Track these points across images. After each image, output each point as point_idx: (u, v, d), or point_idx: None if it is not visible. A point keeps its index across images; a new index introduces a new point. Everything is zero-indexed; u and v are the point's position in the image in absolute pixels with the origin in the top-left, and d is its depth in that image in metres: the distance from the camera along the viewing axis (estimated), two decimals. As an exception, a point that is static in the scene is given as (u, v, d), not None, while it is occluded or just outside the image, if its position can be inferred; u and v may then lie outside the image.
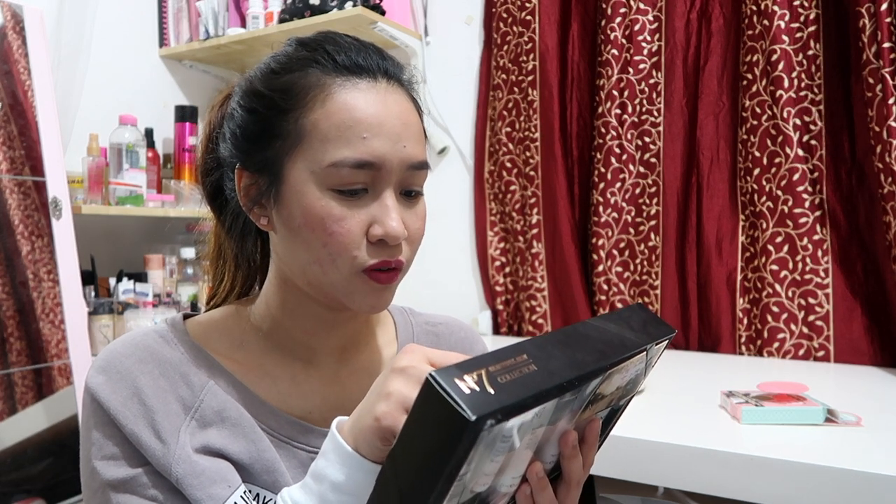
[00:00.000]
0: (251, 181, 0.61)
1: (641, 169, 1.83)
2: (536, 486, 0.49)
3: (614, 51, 1.80)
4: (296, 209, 0.58)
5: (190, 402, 0.60)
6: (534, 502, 0.50)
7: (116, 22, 2.07)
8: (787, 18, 1.59)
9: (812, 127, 1.60)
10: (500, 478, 0.45)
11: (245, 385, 0.63)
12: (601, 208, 1.84)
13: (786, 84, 1.59)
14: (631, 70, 1.80)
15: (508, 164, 2.03)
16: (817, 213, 1.60)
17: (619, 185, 1.83)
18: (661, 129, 1.80)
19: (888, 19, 1.44)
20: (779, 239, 1.63)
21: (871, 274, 1.56)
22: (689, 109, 1.77)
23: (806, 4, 1.59)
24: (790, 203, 1.61)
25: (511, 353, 0.41)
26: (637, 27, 1.79)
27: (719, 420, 1.11)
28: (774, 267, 1.63)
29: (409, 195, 0.61)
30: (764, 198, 1.65)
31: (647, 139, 1.81)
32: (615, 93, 1.81)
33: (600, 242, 1.85)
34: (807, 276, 1.60)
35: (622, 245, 1.85)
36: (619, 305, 1.85)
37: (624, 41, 1.81)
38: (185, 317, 0.67)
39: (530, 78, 1.96)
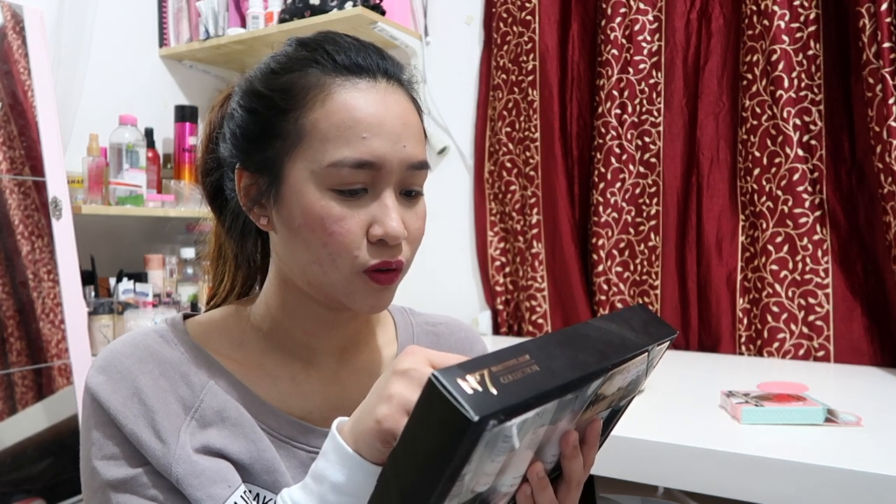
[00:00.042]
0: (251, 181, 0.61)
1: (641, 169, 1.83)
2: (537, 486, 0.49)
3: (614, 51, 1.80)
4: (296, 209, 0.58)
5: (190, 402, 0.60)
6: (534, 502, 0.50)
7: (116, 22, 2.07)
8: (787, 18, 1.59)
9: (812, 127, 1.60)
10: (500, 478, 0.45)
11: (245, 385, 0.63)
12: (601, 208, 1.84)
13: (786, 84, 1.59)
14: (631, 70, 1.80)
15: (508, 164, 2.03)
16: (817, 213, 1.60)
17: (619, 185, 1.83)
18: (661, 129, 1.80)
19: (888, 19, 1.44)
20: (779, 239, 1.63)
21: (871, 274, 1.56)
22: (689, 109, 1.77)
23: (806, 4, 1.59)
24: (790, 203, 1.61)
25: (513, 353, 0.41)
26: (637, 27, 1.79)
27: (719, 420, 1.11)
28: (774, 267, 1.63)
29: (409, 195, 0.61)
30: (764, 198, 1.65)
31: (647, 139, 1.81)
32: (615, 93, 1.81)
33: (600, 242, 1.85)
34: (807, 276, 1.60)
35: (622, 245, 1.85)
36: (619, 305, 1.85)
37: (624, 41, 1.81)
38: (185, 317, 0.67)
39: (530, 78, 1.96)
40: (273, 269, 0.66)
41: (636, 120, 1.82)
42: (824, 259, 1.59)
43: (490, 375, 0.38)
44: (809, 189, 1.60)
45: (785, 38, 1.59)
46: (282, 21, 2.02)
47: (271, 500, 0.59)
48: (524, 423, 0.40)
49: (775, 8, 1.58)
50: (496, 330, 2.07)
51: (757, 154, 1.65)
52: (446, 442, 0.37)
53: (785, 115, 1.60)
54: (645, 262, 1.84)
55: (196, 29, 2.17)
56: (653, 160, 1.82)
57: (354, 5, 1.90)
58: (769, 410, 1.07)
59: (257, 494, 0.59)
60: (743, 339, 1.69)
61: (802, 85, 1.60)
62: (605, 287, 1.85)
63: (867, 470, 0.87)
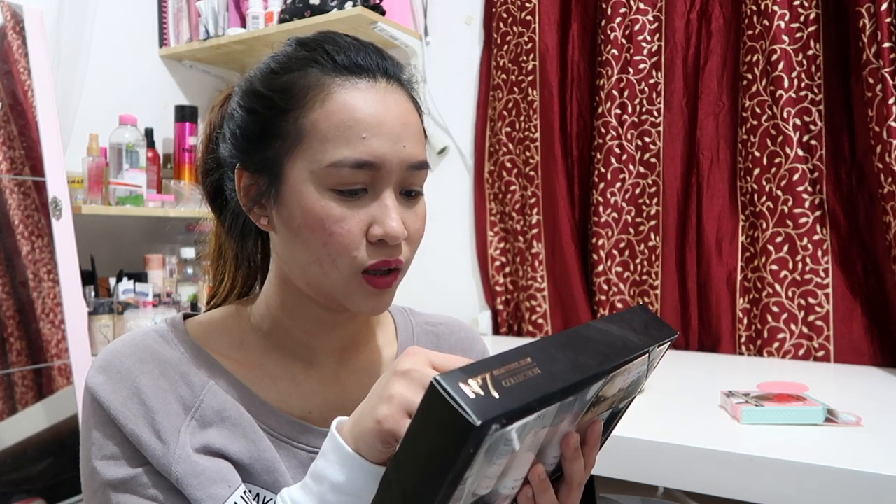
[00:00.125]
0: (251, 181, 0.61)
1: (641, 169, 1.83)
2: (538, 488, 0.49)
3: (614, 51, 1.80)
4: (295, 209, 0.58)
5: (190, 401, 0.60)
6: None
7: (116, 22, 2.06)
8: (787, 18, 1.58)
9: (812, 127, 1.60)
10: (502, 480, 0.45)
11: (245, 385, 0.63)
12: (601, 208, 1.84)
13: (786, 84, 1.59)
14: (631, 70, 1.80)
15: (508, 164, 2.02)
16: (817, 213, 1.60)
17: (619, 185, 1.83)
18: (661, 129, 1.80)
19: (888, 19, 1.44)
20: (779, 239, 1.63)
21: (871, 274, 1.56)
22: (689, 109, 1.77)
23: (806, 4, 1.59)
24: (790, 203, 1.61)
25: (514, 356, 0.41)
26: (637, 27, 1.79)
27: (719, 420, 1.11)
28: (774, 267, 1.63)
29: (409, 195, 0.61)
30: (764, 198, 1.65)
31: (647, 139, 1.81)
32: (615, 93, 1.81)
33: (600, 242, 1.85)
34: (807, 276, 1.60)
35: (622, 245, 1.85)
36: (620, 305, 1.85)
37: (624, 41, 1.81)
38: (186, 317, 0.67)
39: (530, 78, 1.96)
40: (273, 269, 0.65)
41: (636, 120, 1.81)
42: (824, 259, 1.59)
43: (492, 379, 0.38)
44: (809, 189, 1.60)
45: (785, 38, 1.59)
46: (282, 21, 2.02)
47: (271, 499, 0.59)
48: (525, 426, 0.40)
49: (775, 8, 1.58)
50: (496, 330, 2.07)
51: (757, 154, 1.65)
52: (448, 446, 0.37)
53: (785, 115, 1.59)
54: (645, 262, 1.84)
55: (196, 29, 2.17)
56: (653, 160, 1.81)
57: (354, 5, 1.90)
58: (769, 410, 1.07)
59: (257, 494, 0.59)
60: (743, 339, 1.69)
61: (802, 85, 1.60)
62: (605, 287, 1.85)
63: (867, 470, 0.87)
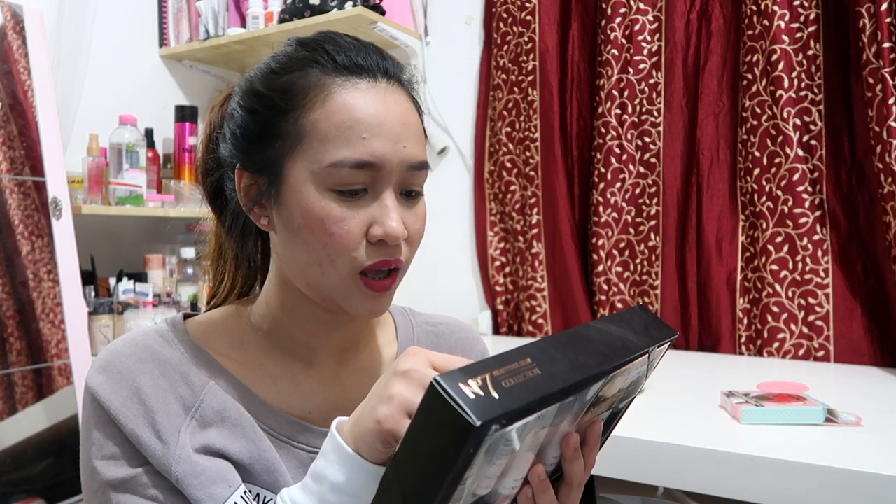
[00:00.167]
0: (251, 181, 0.61)
1: (641, 169, 1.83)
2: (538, 488, 0.49)
3: (614, 51, 1.80)
4: (296, 209, 0.58)
5: (190, 401, 0.60)
6: (535, 504, 0.50)
7: (116, 22, 2.06)
8: (787, 18, 1.59)
9: (812, 127, 1.60)
10: (502, 480, 0.45)
11: (245, 385, 0.63)
12: (601, 208, 1.84)
13: (786, 84, 1.59)
14: (631, 70, 1.80)
15: (508, 164, 2.02)
16: (817, 213, 1.60)
17: (619, 185, 1.83)
18: (661, 129, 1.80)
19: (888, 19, 1.44)
20: (779, 239, 1.63)
21: (871, 274, 1.56)
22: (689, 109, 1.77)
23: (806, 4, 1.59)
24: (790, 203, 1.61)
25: (514, 356, 0.41)
26: (637, 27, 1.79)
27: (719, 420, 1.11)
28: (774, 267, 1.63)
29: (409, 195, 0.61)
30: (764, 198, 1.65)
31: (647, 139, 1.81)
32: (615, 93, 1.81)
33: (600, 242, 1.85)
34: (807, 276, 1.60)
35: (622, 245, 1.85)
36: (620, 305, 1.85)
37: (624, 41, 1.81)
38: (186, 317, 0.67)
39: (530, 78, 1.96)
40: (273, 269, 0.65)
41: (636, 120, 1.82)
42: (824, 259, 1.59)
43: (492, 379, 0.38)
44: (809, 189, 1.60)
45: (785, 38, 1.59)
46: (282, 21, 2.02)
47: (271, 499, 0.59)
48: (525, 427, 0.40)
49: (775, 8, 1.58)
50: (496, 330, 2.07)
51: (757, 154, 1.65)
52: (448, 447, 0.37)
53: (785, 115, 1.59)
54: (645, 262, 1.84)
55: (196, 29, 2.17)
56: (653, 160, 1.81)
57: (354, 5, 1.90)
58: (769, 410, 1.07)
59: (257, 494, 0.59)
60: (743, 339, 1.69)
61: (802, 85, 1.60)
62: (605, 287, 1.85)
63: (867, 470, 0.87)
